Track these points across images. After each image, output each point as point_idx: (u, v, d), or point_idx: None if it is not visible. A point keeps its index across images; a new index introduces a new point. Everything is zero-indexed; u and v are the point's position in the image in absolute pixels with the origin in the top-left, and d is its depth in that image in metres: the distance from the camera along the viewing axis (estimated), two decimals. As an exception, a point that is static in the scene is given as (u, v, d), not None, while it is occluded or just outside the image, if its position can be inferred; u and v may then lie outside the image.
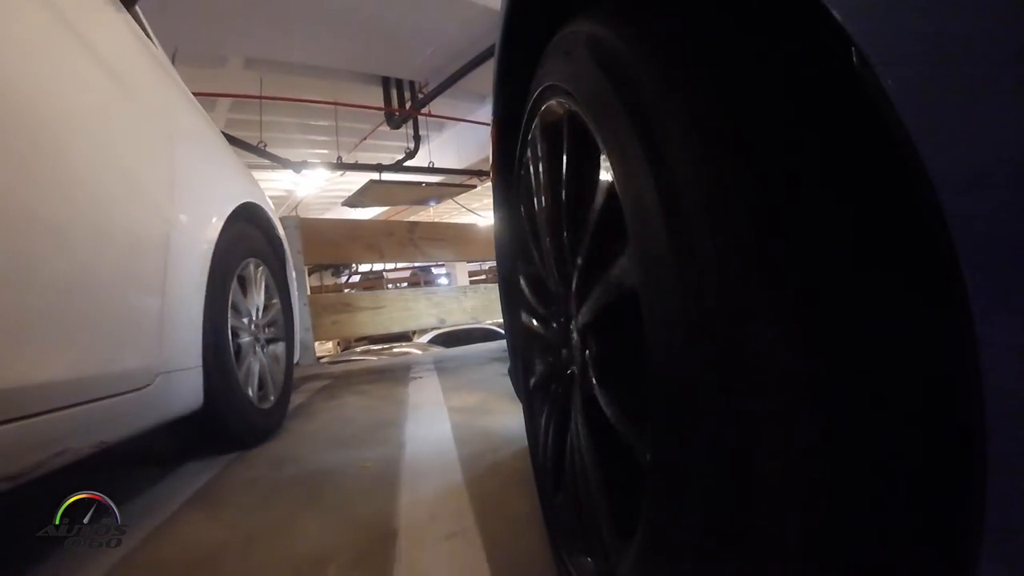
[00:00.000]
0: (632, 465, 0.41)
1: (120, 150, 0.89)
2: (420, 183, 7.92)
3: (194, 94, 1.40)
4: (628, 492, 0.42)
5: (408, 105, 6.43)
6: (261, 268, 1.51)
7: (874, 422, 0.25)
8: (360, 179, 7.70)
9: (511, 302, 0.95)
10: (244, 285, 1.39)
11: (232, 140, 1.70)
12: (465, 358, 2.83)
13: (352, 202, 8.17)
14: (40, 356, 0.66)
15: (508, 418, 1.41)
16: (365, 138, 7.74)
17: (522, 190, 0.75)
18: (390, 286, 14.18)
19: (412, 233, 3.67)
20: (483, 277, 13.89)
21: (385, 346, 6.13)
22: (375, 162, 7.31)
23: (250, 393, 1.33)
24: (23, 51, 0.70)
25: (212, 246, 1.15)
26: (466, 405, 1.64)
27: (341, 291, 10.26)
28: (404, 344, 6.23)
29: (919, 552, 0.25)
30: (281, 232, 1.75)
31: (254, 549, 0.79)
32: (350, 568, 0.71)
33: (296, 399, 1.93)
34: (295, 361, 1.78)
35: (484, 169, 7.66)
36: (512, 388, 1.01)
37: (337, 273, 13.45)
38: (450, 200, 9.10)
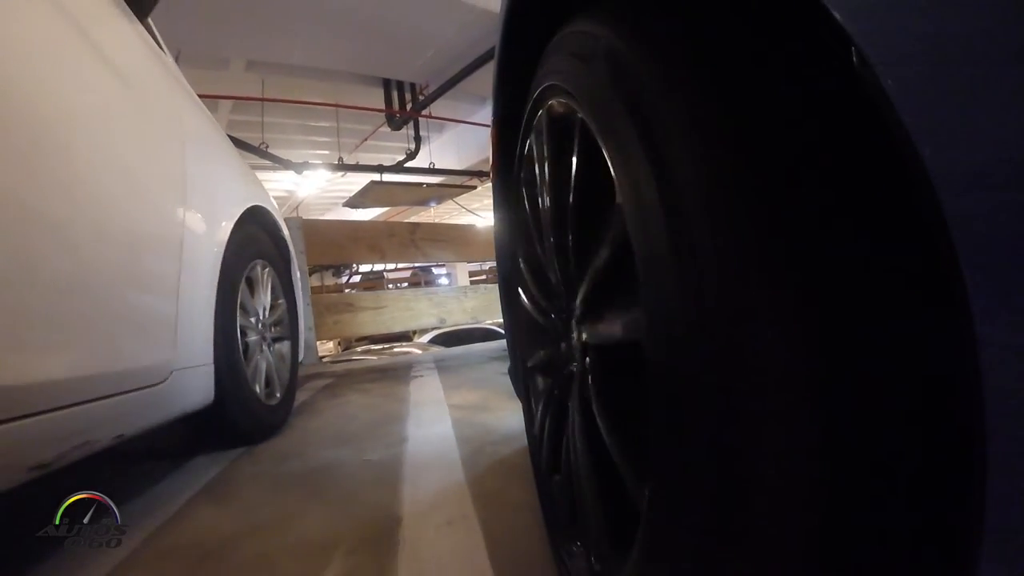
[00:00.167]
0: (632, 465, 0.41)
1: (137, 158, 0.92)
2: (421, 184, 7.93)
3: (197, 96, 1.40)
4: (629, 492, 0.42)
5: (409, 107, 6.44)
6: (267, 269, 1.55)
7: (874, 422, 0.25)
8: (361, 180, 7.71)
9: (511, 302, 0.95)
10: (251, 286, 1.44)
11: (234, 141, 1.71)
12: (465, 357, 2.85)
13: (353, 203, 8.18)
14: (67, 353, 0.69)
15: (508, 415, 1.44)
16: (366, 139, 7.75)
17: (522, 190, 0.75)
18: (391, 286, 14.19)
19: (413, 234, 3.68)
20: (483, 277, 13.90)
21: (386, 346, 6.14)
22: (376, 163, 7.32)
23: (257, 390, 1.36)
24: (55, 69, 0.74)
25: (222, 249, 1.20)
26: (467, 403, 1.67)
27: (342, 291, 10.27)
28: (405, 344, 6.23)
29: (919, 552, 0.25)
30: (286, 234, 1.78)
31: (264, 536, 0.82)
32: (357, 551, 0.75)
33: (300, 397, 1.96)
34: (299, 360, 1.81)
35: (484, 170, 7.67)
36: (512, 387, 1.02)
37: (338, 273, 13.46)
38: (450, 201, 9.10)
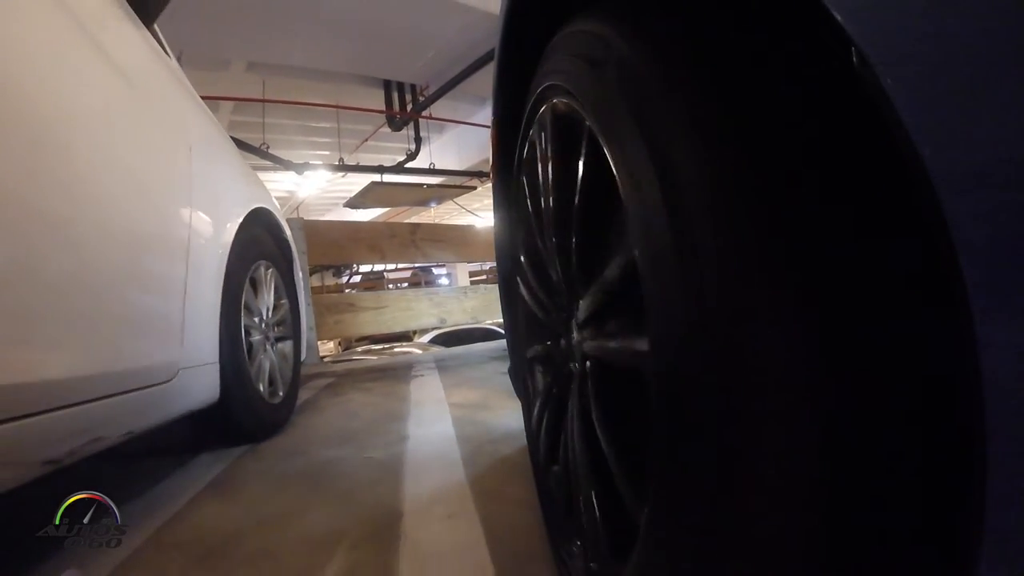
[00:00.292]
0: (633, 464, 0.41)
1: (146, 163, 0.94)
2: (421, 184, 7.93)
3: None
4: (629, 492, 0.42)
5: (409, 108, 6.44)
6: (271, 270, 1.57)
7: (874, 422, 0.25)
8: (361, 180, 7.71)
9: (511, 301, 0.95)
10: (255, 286, 1.46)
11: (235, 142, 1.73)
12: (466, 357, 2.86)
13: (354, 203, 8.18)
14: (80, 352, 0.71)
15: (507, 414, 1.45)
16: (366, 140, 7.75)
17: (522, 190, 0.75)
18: (391, 286, 14.19)
19: (414, 234, 3.69)
20: (483, 277, 13.90)
21: (386, 346, 6.14)
22: (376, 163, 7.32)
23: (261, 389, 1.39)
24: (70, 77, 0.76)
25: (227, 250, 1.22)
26: (467, 401, 1.69)
27: (342, 291, 10.27)
28: (405, 344, 6.24)
29: (919, 552, 0.25)
30: (289, 235, 1.81)
31: (269, 531, 0.84)
32: (360, 546, 0.76)
33: (302, 395, 1.97)
34: (301, 359, 1.83)
35: (484, 170, 7.67)
36: (511, 386, 1.03)
37: (338, 273, 13.46)
38: (450, 201, 9.10)
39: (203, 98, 1.42)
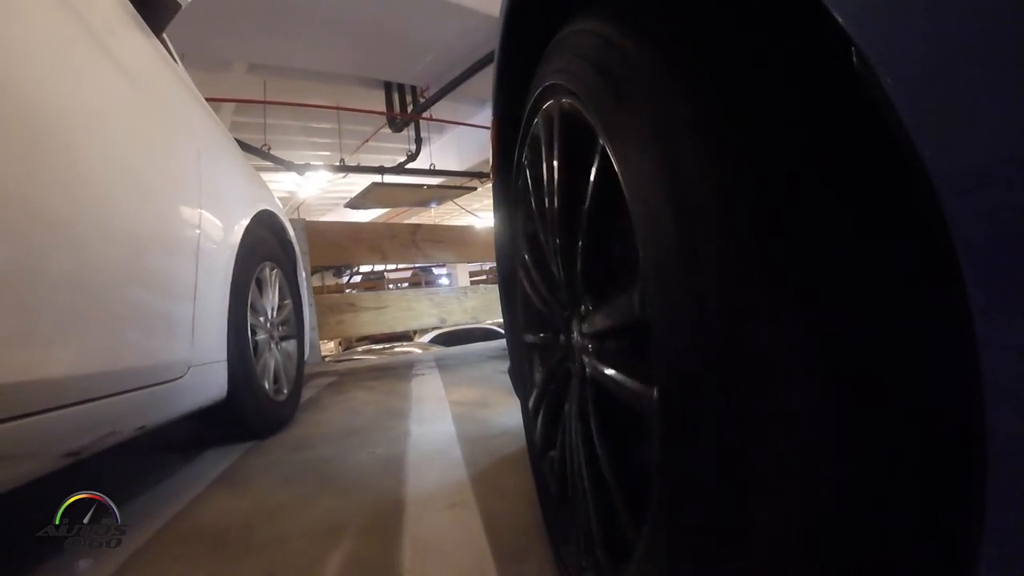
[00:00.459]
0: (634, 465, 0.41)
1: (159, 169, 0.98)
2: (422, 185, 7.93)
3: (201, 99, 1.42)
4: (630, 492, 0.42)
5: (410, 109, 6.45)
6: (275, 271, 1.61)
7: (874, 422, 0.25)
8: (361, 181, 7.71)
9: (511, 302, 0.95)
10: (260, 287, 1.50)
11: (237, 143, 1.75)
12: (466, 356, 2.88)
13: (355, 204, 8.19)
14: (99, 350, 0.74)
15: (506, 411, 1.49)
16: (367, 140, 7.76)
17: (522, 190, 0.75)
18: (391, 286, 14.19)
19: (414, 235, 3.69)
20: (484, 278, 13.91)
21: (387, 345, 6.14)
22: (377, 164, 7.33)
23: (266, 386, 1.43)
24: (86, 87, 0.79)
25: (234, 252, 1.27)
26: (467, 399, 1.72)
27: (342, 291, 10.28)
28: (405, 344, 6.24)
29: (919, 552, 0.25)
30: (292, 236, 1.84)
31: (279, 519, 0.88)
32: (365, 532, 0.81)
33: (305, 394, 2.00)
34: (305, 358, 1.86)
35: (485, 171, 7.67)
36: (511, 385, 1.04)
37: (338, 273, 13.47)
38: (451, 202, 9.11)
39: (206, 99, 1.43)
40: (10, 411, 0.59)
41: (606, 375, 0.47)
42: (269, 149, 6.10)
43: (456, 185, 8.39)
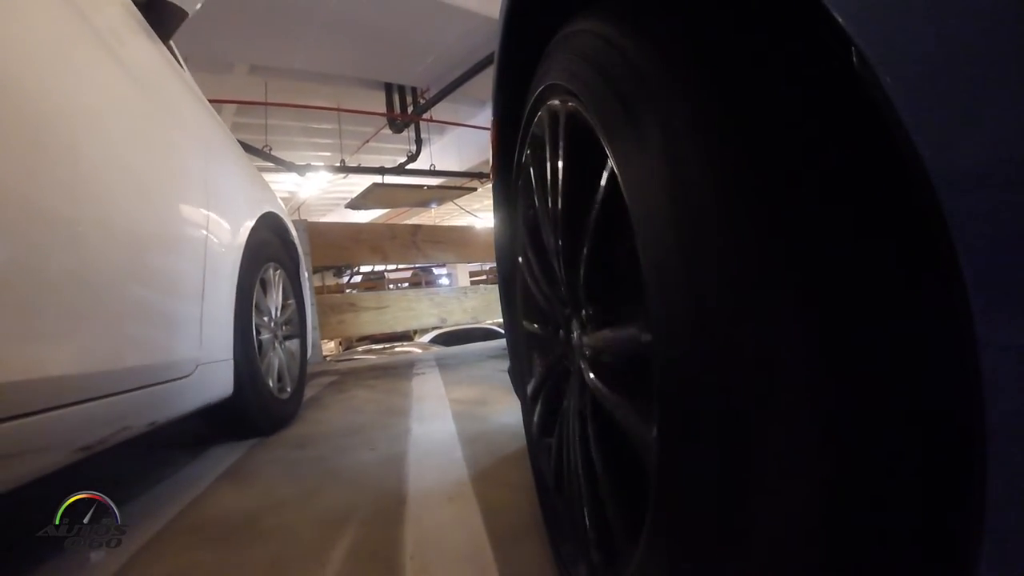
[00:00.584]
0: (635, 466, 0.41)
1: (168, 173, 1.01)
2: (422, 186, 7.93)
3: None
4: (631, 492, 0.42)
5: (410, 110, 6.46)
6: (279, 271, 1.65)
7: (874, 422, 0.25)
8: (361, 181, 7.71)
9: (511, 302, 0.95)
10: (265, 287, 1.53)
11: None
12: (466, 356, 2.90)
13: (356, 204, 8.19)
14: (116, 347, 0.78)
15: (505, 409, 1.51)
16: (367, 141, 7.76)
17: (522, 189, 0.75)
18: (391, 286, 14.19)
19: (415, 236, 3.70)
20: (484, 278, 13.91)
21: (387, 345, 6.14)
22: (377, 165, 7.33)
23: (271, 384, 1.46)
24: (102, 97, 0.82)
25: (240, 253, 1.30)
26: (467, 397, 1.74)
27: (342, 291, 10.29)
28: (405, 343, 6.24)
29: (919, 552, 0.25)
30: (295, 238, 1.87)
31: (285, 511, 0.91)
32: (368, 522, 0.84)
33: (307, 393, 2.02)
34: (307, 357, 1.89)
35: (485, 171, 7.67)
36: (511, 385, 1.05)
37: (339, 273, 13.46)
38: (450, 202, 9.11)
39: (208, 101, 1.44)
40: (34, 406, 0.62)
41: (605, 388, 0.47)
42: (270, 150, 6.11)
43: (456, 186, 8.40)
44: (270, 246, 1.57)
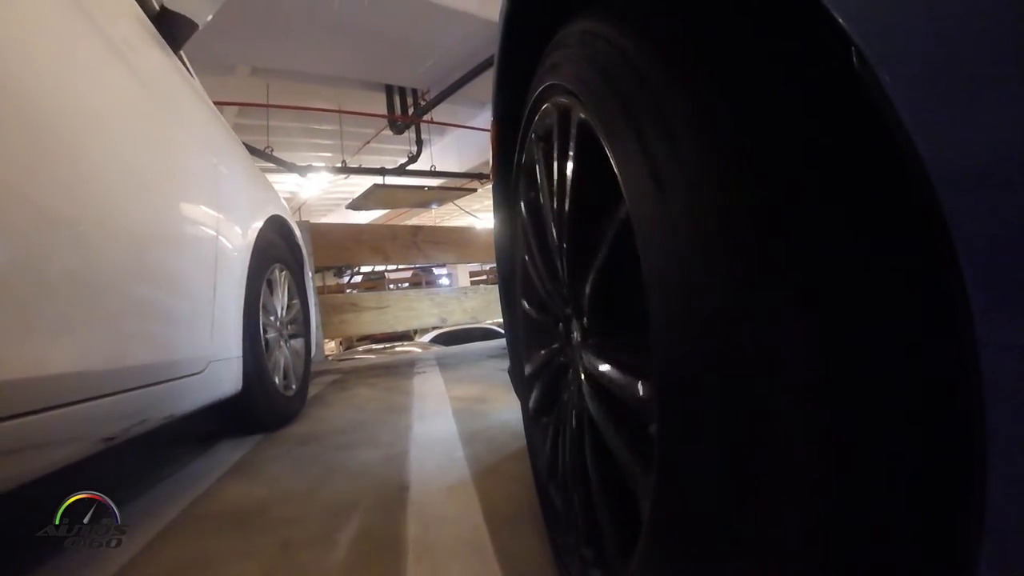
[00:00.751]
0: (636, 466, 0.41)
1: (181, 178, 1.05)
2: (423, 187, 7.94)
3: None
4: (631, 493, 0.42)
5: (411, 112, 6.47)
6: (284, 272, 1.70)
7: (874, 422, 0.25)
8: (362, 182, 7.72)
9: (511, 302, 0.95)
10: (271, 287, 1.58)
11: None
12: (466, 355, 2.92)
13: (356, 205, 8.20)
14: (138, 344, 0.83)
15: (505, 407, 1.54)
16: (368, 142, 7.77)
17: (522, 189, 0.75)
18: (392, 286, 14.19)
19: (416, 236, 3.71)
20: (484, 278, 13.92)
21: (387, 345, 6.14)
22: (378, 166, 7.33)
23: (277, 381, 1.51)
24: (123, 108, 0.86)
25: (248, 255, 1.35)
26: (467, 395, 1.78)
27: (343, 291, 10.30)
28: (406, 343, 6.24)
29: (919, 552, 0.25)
30: (300, 240, 1.91)
31: (293, 502, 0.95)
32: (372, 510, 0.89)
33: (311, 391, 2.05)
34: (311, 355, 1.94)
35: (485, 172, 7.68)
36: (511, 384, 1.06)
37: (339, 273, 13.46)
38: (451, 203, 9.12)
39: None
40: (65, 398, 0.66)
41: (604, 395, 0.46)
42: (272, 151, 6.13)
43: (456, 186, 8.40)
44: (276, 248, 1.62)
